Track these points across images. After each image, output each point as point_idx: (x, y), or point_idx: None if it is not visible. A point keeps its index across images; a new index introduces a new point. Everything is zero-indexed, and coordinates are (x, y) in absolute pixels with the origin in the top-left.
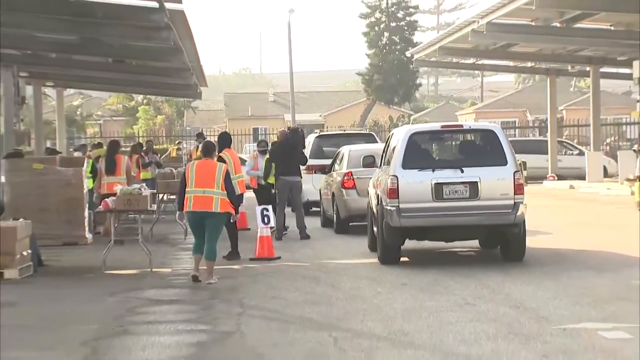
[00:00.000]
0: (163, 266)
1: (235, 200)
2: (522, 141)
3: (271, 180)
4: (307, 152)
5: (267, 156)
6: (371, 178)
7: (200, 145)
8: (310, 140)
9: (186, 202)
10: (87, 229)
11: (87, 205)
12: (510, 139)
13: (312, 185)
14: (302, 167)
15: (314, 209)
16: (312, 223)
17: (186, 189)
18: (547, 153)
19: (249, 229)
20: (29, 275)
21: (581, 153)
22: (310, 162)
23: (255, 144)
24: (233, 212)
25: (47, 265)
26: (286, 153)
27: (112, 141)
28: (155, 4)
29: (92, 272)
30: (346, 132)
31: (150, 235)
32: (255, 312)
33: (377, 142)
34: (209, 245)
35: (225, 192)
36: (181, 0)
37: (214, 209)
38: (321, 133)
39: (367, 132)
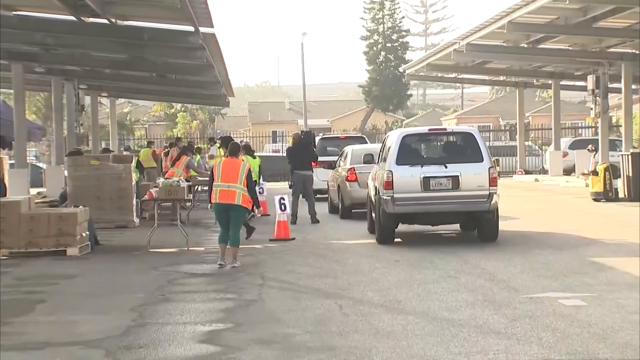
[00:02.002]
0: (197, 245)
1: (255, 196)
2: (576, 141)
3: None
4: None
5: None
6: (370, 172)
7: (228, 146)
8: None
9: (213, 195)
10: (134, 214)
11: (134, 194)
12: (577, 138)
13: (316, 178)
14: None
15: (318, 195)
16: (321, 210)
17: (213, 184)
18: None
19: (269, 214)
20: (87, 253)
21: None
22: None
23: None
24: (250, 207)
25: (102, 244)
26: (300, 151)
27: (189, 144)
28: (191, 29)
29: (139, 250)
30: (344, 135)
31: (187, 219)
32: (274, 283)
33: (367, 142)
34: (234, 234)
35: (247, 188)
36: (213, 25)
37: (237, 202)
38: (324, 136)
39: (360, 135)
